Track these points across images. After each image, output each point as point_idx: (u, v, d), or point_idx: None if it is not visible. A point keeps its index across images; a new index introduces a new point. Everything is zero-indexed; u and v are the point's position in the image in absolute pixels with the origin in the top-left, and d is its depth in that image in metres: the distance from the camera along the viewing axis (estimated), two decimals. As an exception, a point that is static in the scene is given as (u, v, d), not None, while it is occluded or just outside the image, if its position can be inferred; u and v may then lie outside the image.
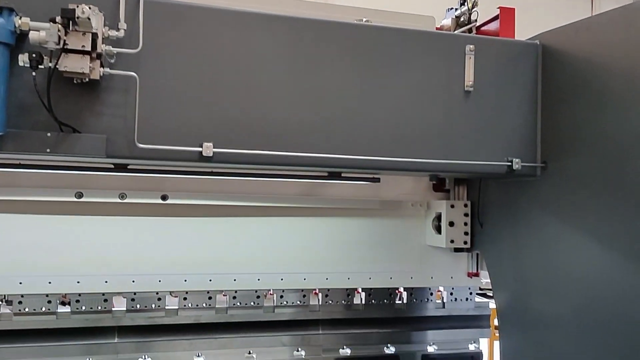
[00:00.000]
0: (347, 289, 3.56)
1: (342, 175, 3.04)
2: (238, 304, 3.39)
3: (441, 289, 3.73)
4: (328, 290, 3.53)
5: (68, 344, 3.08)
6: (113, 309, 3.18)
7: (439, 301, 3.72)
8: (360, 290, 3.58)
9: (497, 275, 3.28)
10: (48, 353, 3.05)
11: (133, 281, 3.15)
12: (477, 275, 3.68)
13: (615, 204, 2.46)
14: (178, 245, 3.22)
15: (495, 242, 3.28)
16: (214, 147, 2.45)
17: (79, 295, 3.12)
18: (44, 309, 3.06)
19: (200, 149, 2.44)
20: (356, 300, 3.59)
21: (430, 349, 3.67)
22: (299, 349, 3.46)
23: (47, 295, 3.07)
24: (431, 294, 3.72)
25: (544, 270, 2.86)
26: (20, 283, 2.99)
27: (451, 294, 3.74)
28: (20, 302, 3.03)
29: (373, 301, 3.61)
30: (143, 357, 3.19)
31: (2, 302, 2.99)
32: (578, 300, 2.64)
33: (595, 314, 2.53)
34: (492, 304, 3.55)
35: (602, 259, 2.51)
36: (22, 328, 3.01)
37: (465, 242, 3.43)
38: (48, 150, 2.27)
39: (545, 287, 2.87)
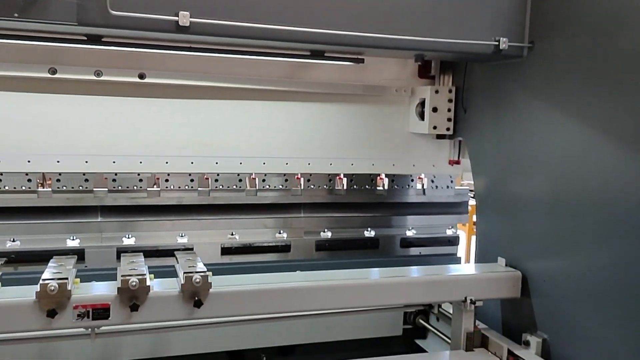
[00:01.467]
0: (329, 174, 3.59)
1: (325, 54, 2.95)
2: (221, 186, 3.41)
3: (422, 176, 3.77)
4: (310, 175, 3.55)
5: (52, 222, 3.11)
6: (94, 189, 3.18)
7: (420, 188, 3.78)
8: (342, 176, 3.61)
9: (478, 161, 3.31)
10: (33, 230, 3.08)
11: (113, 162, 3.13)
12: (458, 162, 3.71)
13: (601, 84, 2.44)
14: (158, 127, 3.18)
15: (478, 128, 3.28)
16: (190, 17, 2.35)
17: (59, 174, 3.11)
18: (24, 188, 3.06)
19: (176, 18, 2.33)
20: (338, 186, 3.63)
21: (409, 233, 3.78)
22: (281, 231, 3.54)
23: (27, 174, 3.05)
24: (412, 180, 3.76)
25: (525, 154, 2.88)
26: (-1, 162, 2.96)
27: (432, 181, 3.79)
28: None
29: (355, 187, 3.66)
30: (127, 236, 3.25)
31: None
32: (555, 182, 2.68)
33: (570, 196, 2.58)
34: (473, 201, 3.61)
35: (583, 140, 2.52)
36: (4, 205, 3.01)
37: (448, 129, 3.42)
38: (16, 15, 2.16)
39: (524, 170, 2.90)
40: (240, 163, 3.36)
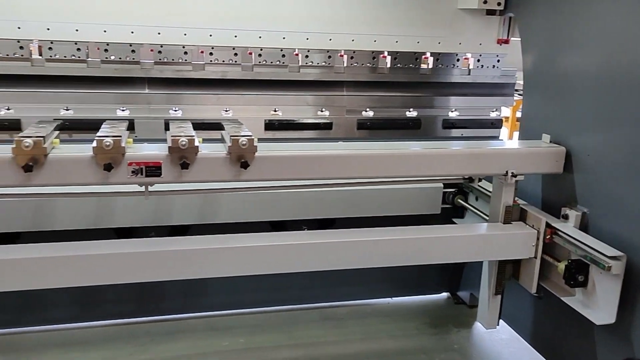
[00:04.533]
0: (372, 52, 3.53)
1: None
2: (264, 62, 3.41)
3: (468, 55, 3.67)
4: (354, 52, 3.50)
5: (102, 92, 3.20)
6: (141, 60, 3.22)
7: (465, 68, 3.69)
8: (386, 54, 3.55)
9: (528, 38, 3.18)
10: (85, 100, 3.18)
11: (159, 33, 3.15)
12: (507, 42, 3.59)
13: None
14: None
15: (530, 2, 3.13)
16: None
17: (107, 44, 3.15)
18: (73, 57, 3.13)
19: None
20: (381, 64, 3.58)
21: (452, 115, 3.74)
22: (323, 109, 3.56)
23: (75, 43, 3.10)
24: (457, 60, 3.67)
25: (578, 29, 2.76)
26: (48, 29, 3.00)
27: (478, 60, 3.69)
28: (50, 49, 3.09)
29: (398, 65, 3.60)
30: (174, 108, 3.32)
31: (32, 48, 3.04)
32: (607, 57, 2.57)
33: (621, 72, 2.49)
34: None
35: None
36: (56, 74, 3.10)
37: (499, 3, 3.29)
38: None
39: (576, 46, 2.79)
40: (284, 38, 3.33)
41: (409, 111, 3.69)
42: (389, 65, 3.57)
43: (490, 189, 3.07)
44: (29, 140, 2.18)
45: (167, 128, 3.12)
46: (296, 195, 3.24)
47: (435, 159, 2.72)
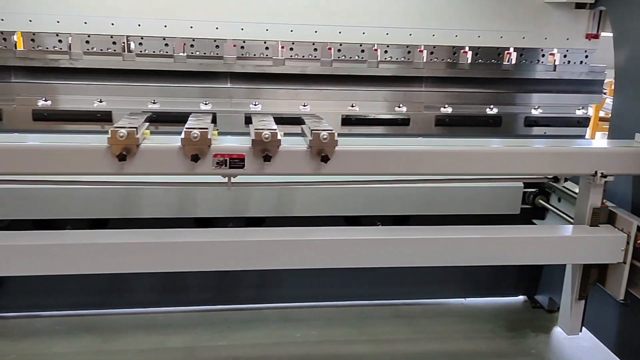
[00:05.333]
0: (453, 47, 3.47)
1: None
2: (343, 57, 3.42)
3: (555, 50, 3.53)
4: (434, 47, 3.45)
5: (187, 86, 3.31)
6: (224, 55, 3.31)
7: (550, 63, 3.56)
8: (467, 49, 3.48)
9: (622, 32, 3.03)
10: (170, 93, 3.31)
11: (242, 29, 3.22)
12: (596, 37, 3.43)
13: None
14: (284, -5, 3.21)
15: (625, -6, 2.98)
16: None
17: (193, 40, 3.26)
18: (162, 52, 3.25)
19: None
20: (462, 60, 3.51)
21: (535, 112, 3.62)
22: (401, 105, 3.53)
23: (164, 39, 3.23)
24: (542, 55, 3.55)
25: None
26: (139, 25, 3.14)
27: (564, 56, 3.55)
28: (140, 44, 3.23)
29: (480, 61, 3.52)
30: (254, 103, 3.40)
31: (124, 43, 3.20)
32: None
33: None
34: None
35: None
36: (144, 68, 3.24)
37: (590, -4, 3.15)
38: None
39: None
40: (363, 33, 3.33)
41: (490, 108, 3.60)
42: (470, 61, 3.50)
43: (576, 190, 2.95)
44: (123, 130, 2.28)
45: (247, 122, 3.22)
46: (372, 191, 3.23)
47: (519, 157, 2.64)
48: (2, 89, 3.17)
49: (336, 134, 2.48)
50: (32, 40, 3.18)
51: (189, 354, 3.15)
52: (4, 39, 3.16)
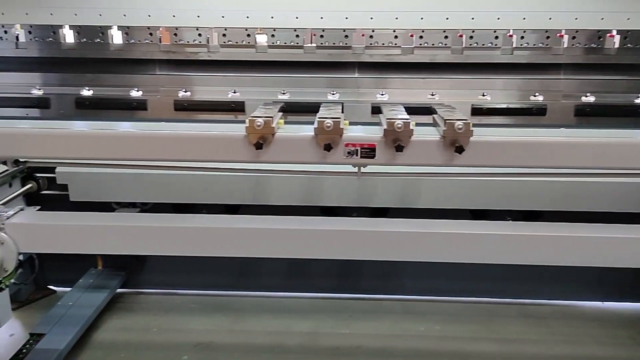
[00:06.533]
0: (598, 31, 3.21)
1: None
2: (475, 44, 3.29)
3: None
4: (576, 31, 3.22)
5: (315, 76, 3.36)
6: (353, 45, 3.32)
7: None
8: (614, 32, 3.20)
9: None
10: (299, 84, 3.37)
11: (371, 18, 3.22)
12: None
13: None
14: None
15: None
16: None
17: (323, 30, 3.30)
18: (292, 43, 3.33)
19: None
20: (608, 44, 3.24)
21: (692, 101, 3.26)
22: (536, 94, 3.33)
23: (295, 30, 3.30)
24: None
25: None
26: (272, 17, 3.23)
27: None
28: (272, 36, 3.33)
29: (629, 45, 3.23)
30: (381, 92, 3.37)
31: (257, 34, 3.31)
32: None
33: None
34: None
35: None
36: (277, 60, 3.33)
37: None
38: None
39: None
40: (498, 18, 3.20)
41: (637, 97, 3.29)
42: (617, 46, 3.21)
43: None
44: (260, 120, 2.35)
45: (373, 112, 3.20)
46: (502, 184, 3.08)
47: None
48: (148, 81, 3.41)
49: (471, 124, 2.39)
50: (175, 34, 3.39)
51: (312, 339, 3.21)
52: (150, 34, 3.39)
